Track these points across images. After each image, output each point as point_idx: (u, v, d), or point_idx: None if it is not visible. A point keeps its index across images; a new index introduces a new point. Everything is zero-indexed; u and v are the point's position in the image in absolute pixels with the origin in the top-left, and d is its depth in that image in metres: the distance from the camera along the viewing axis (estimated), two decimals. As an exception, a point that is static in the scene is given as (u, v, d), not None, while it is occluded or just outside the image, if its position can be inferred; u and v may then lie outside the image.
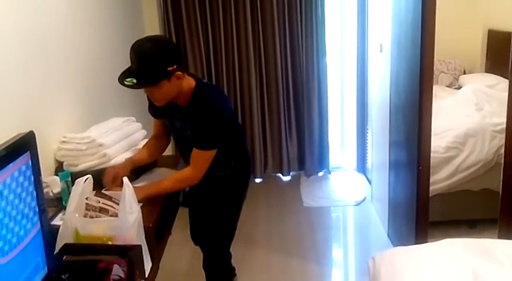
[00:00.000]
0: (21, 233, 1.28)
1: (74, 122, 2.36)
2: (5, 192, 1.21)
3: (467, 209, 3.37)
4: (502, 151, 2.72)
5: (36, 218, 1.37)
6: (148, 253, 1.67)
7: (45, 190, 1.76)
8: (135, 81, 1.91)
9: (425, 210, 2.86)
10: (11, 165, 1.24)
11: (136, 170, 2.18)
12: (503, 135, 2.66)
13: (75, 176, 1.84)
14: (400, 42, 3.00)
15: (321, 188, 4.35)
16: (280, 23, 4.13)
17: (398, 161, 3.22)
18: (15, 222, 1.26)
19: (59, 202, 1.86)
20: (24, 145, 1.34)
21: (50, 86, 2.13)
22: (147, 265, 1.65)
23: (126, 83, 1.92)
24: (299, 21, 4.14)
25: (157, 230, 1.85)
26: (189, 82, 2.08)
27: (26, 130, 1.38)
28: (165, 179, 2.09)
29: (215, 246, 2.41)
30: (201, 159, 2.09)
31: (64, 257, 1.49)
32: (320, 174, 4.58)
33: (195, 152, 2.09)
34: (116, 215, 1.60)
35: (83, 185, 1.62)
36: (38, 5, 2.05)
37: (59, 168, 2.10)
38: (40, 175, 1.41)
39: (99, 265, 1.43)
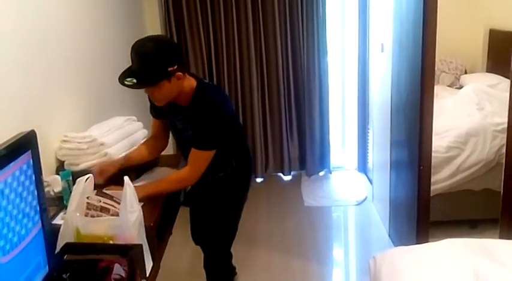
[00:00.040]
0: (22, 232, 1.29)
1: (75, 121, 2.36)
2: (6, 191, 1.21)
3: (468, 209, 3.36)
4: (503, 150, 2.71)
5: (37, 217, 1.37)
6: (149, 252, 1.67)
7: (46, 189, 1.76)
8: (135, 81, 1.91)
9: (427, 210, 2.86)
10: (12, 164, 1.24)
11: (137, 170, 2.18)
12: (505, 135, 2.66)
13: (76, 175, 1.84)
14: (401, 42, 3.00)
15: (322, 188, 4.34)
16: (281, 22, 4.13)
17: (399, 161, 3.22)
18: (16, 221, 1.26)
19: (60, 201, 1.86)
20: (26, 144, 1.34)
21: (50, 86, 2.13)
22: (148, 265, 1.65)
23: (126, 83, 1.92)
24: (300, 21, 4.14)
25: (158, 230, 1.84)
26: (190, 82, 2.08)
27: (27, 130, 1.38)
28: (162, 179, 2.08)
29: (216, 246, 2.41)
30: (200, 159, 2.08)
31: (65, 257, 1.49)
32: (321, 174, 4.57)
33: (194, 152, 2.07)
34: (117, 215, 1.60)
35: (84, 184, 1.62)
36: (38, 5, 2.05)
37: (60, 167, 2.10)
38: (41, 174, 1.41)
39: (100, 264, 1.43)
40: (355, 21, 4.33)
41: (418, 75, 2.68)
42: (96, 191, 1.69)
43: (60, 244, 1.54)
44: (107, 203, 1.64)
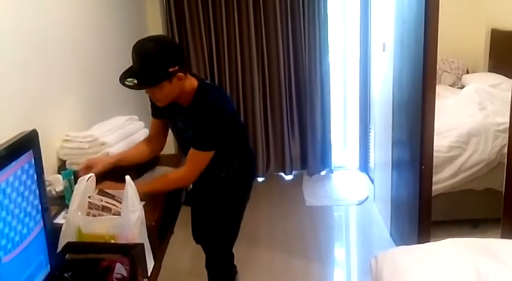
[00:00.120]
0: (24, 231, 1.29)
1: (77, 120, 2.37)
2: (8, 190, 1.21)
3: (470, 209, 3.36)
4: (505, 150, 2.71)
5: (38, 217, 1.38)
6: (150, 251, 1.67)
7: (48, 188, 1.77)
8: (136, 81, 1.90)
9: (428, 209, 2.86)
10: (13, 163, 1.24)
11: (138, 169, 2.18)
12: (506, 135, 2.65)
13: (77, 174, 1.84)
14: (403, 41, 3.00)
15: (324, 187, 4.34)
16: (282, 22, 4.13)
17: (401, 161, 3.22)
18: (18, 220, 1.26)
19: (62, 200, 1.86)
20: (27, 143, 1.34)
21: (51, 86, 2.13)
22: (150, 264, 1.66)
23: (127, 83, 1.91)
24: (302, 21, 4.14)
25: (159, 229, 1.85)
26: (191, 82, 2.07)
27: (28, 129, 1.38)
28: (158, 178, 2.07)
29: (218, 247, 2.41)
30: (197, 160, 2.06)
31: (67, 256, 1.49)
32: (322, 173, 4.57)
33: (192, 152, 2.05)
34: (119, 214, 1.60)
35: (86, 184, 1.62)
36: (39, 5, 2.05)
37: (62, 166, 2.10)
38: (43, 173, 1.41)
39: (101, 263, 1.43)
40: (356, 20, 4.33)
41: (420, 75, 2.68)
42: (97, 190, 1.69)
43: (61, 243, 1.54)
44: (108, 203, 1.64)
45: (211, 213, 2.34)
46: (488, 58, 4.65)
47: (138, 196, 1.63)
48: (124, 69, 1.98)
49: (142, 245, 1.57)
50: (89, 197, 1.62)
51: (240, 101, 4.25)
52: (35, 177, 1.36)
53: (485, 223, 3.29)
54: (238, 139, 2.27)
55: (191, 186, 2.45)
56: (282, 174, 4.58)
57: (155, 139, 2.29)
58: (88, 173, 1.82)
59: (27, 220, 1.30)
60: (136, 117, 2.54)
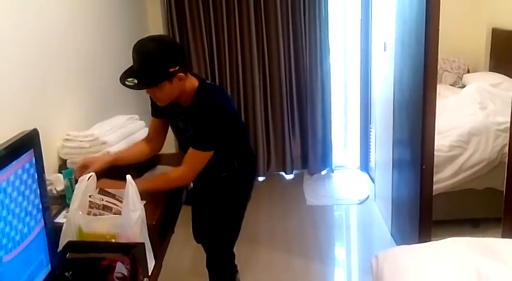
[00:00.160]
0: (25, 230, 1.29)
1: (78, 120, 2.37)
2: (9, 189, 1.22)
3: (470, 208, 3.36)
4: (506, 149, 2.71)
5: (39, 216, 1.38)
6: (151, 250, 1.67)
7: (48, 188, 1.76)
8: (136, 81, 1.90)
9: (429, 209, 2.86)
10: (14, 163, 1.25)
11: (139, 168, 2.18)
12: (507, 134, 2.66)
13: (78, 174, 1.85)
14: (404, 41, 3.00)
15: (324, 187, 4.34)
16: (283, 22, 4.13)
17: (401, 160, 3.21)
18: (19, 219, 1.26)
19: (63, 200, 1.86)
20: (28, 142, 1.35)
21: (52, 85, 2.14)
22: (150, 263, 1.66)
23: (127, 83, 1.91)
24: (302, 21, 4.14)
25: (160, 228, 1.85)
26: (192, 82, 2.07)
27: (29, 129, 1.38)
28: (156, 177, 2.07)
29: (219, 246, 2.41)
30: (195, 160, 2.04)
31: (67, 255, 1.49)
32: (323, 172, 4.57)
33: (190, 152, 2.04)
34: (119, 213, 1.60)
35: (87, 183, 1.62)
36: (40, 5, 2.05)
37: (63, 166, 2.10)
38: (44, 172, 1.41)
39: (102, 262, 1.44)
40: (357, 20, 4.33)
41: (421, 74, 2.68)
42: (98, 189, 1.69)
43: (62, 242, 1.54)
44: (109, 202, 1.64)
45: (212, 212, 2.34)
46: (489, 57, 4.64)
47: (138, 195, 1.63)
48: (124, 69, 1.98)
49: (143, 244, 1.57)
50: (90, 196, 1.63)
51: (241, 101, 4.25)
52: (36, 176, 1.36)
53: (486, 223, 3.29)
54: (239, 139, 2.27)
55: (192, 185, 2.45)
56: (283, 173, 4.58)
57: (154, 139, 2.28)
58: (84, 172, 1.83)
59: (28, 219, 1.31)
60: (137, 116, 2.54)
